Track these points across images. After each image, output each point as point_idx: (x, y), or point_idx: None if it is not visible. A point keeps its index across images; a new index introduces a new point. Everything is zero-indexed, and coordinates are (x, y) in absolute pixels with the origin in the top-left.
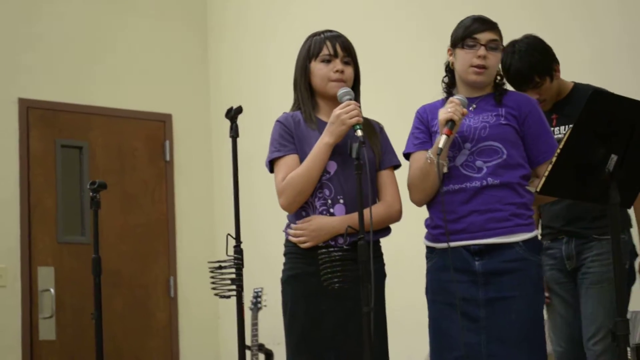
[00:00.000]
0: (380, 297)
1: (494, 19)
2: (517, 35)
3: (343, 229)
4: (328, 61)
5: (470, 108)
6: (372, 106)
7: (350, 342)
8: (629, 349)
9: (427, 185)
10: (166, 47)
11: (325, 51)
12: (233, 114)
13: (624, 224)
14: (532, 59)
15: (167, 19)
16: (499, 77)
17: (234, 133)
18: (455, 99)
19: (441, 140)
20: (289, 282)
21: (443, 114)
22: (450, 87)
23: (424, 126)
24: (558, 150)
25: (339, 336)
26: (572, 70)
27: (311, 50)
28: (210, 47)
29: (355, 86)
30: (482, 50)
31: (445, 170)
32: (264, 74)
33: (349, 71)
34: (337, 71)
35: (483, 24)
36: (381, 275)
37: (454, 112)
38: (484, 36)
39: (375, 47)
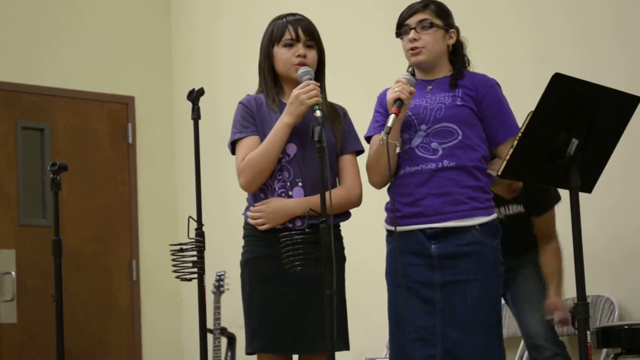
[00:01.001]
0: (340, 280)
1: (477, 6)
2: (499, 20)
3: (301, 211)
4: (290, 45)
5: (427, 90)
6: (338, 91)
7: (308, 324)
8: (588, 332)
9: (381, 167)
10: (129, 29)
11: (287, 35)
12: (195, 96)
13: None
14: None
15: (131, 1)
16: (460, 59)
17: (196, 115)
18: (401, 77)
19: (390, 119)
20: (247, 264)
21: (390, 94)
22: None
23: (384, 109)
24: (519, 134)
25: (297, 319)
26: (557, 55)
27: (274, 34)
28: (173, 29)
29: (320, 70)
30: (411, 34)
31: (397, 150)
32: (228, 55)
33: (311, 55)
34: (299, 55)
35: (411, 8)
36: (341, 258)
37: (400, 90)
38: (413, 19)
39: (341, 31)
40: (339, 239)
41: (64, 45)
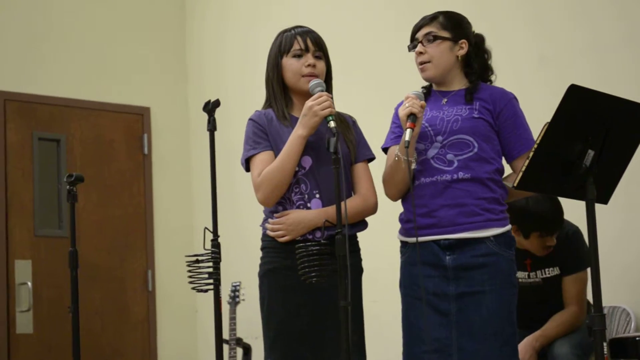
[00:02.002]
0: (357, 291)
1: (484, 11)
2: (508, 27)
3: (320, 222)
4: (299, 56)
5: (443, 102)
6: (346, 100)
7: (326, 336)
8: (605, 344)
9: (397, 180)
10: (144, 40)
11: (296, 46)
12: (211, 108)
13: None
14: None
15: (146, 11)
16: (481, 70)
17: (212, 126)
18: (410, 94)
19: (406, 134)
20: (266, 276)
21: (402, 110)
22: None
23: (400, 121)
24: (535, 146)
25: (316, 330)
26: (567, 62)
27: (282, 45)
28: (188, 40)
29: (327, 81)
30: (419, 47)
31: (413, 166)
32: (245, 67)
33: (320, 65)
34: (308, 65)
35: (419, 22)
36: (358, 269)
37: (411, 105)
38: (420, 33)
39: (352, 38)
40: (356, 250)
41: (80, 57)
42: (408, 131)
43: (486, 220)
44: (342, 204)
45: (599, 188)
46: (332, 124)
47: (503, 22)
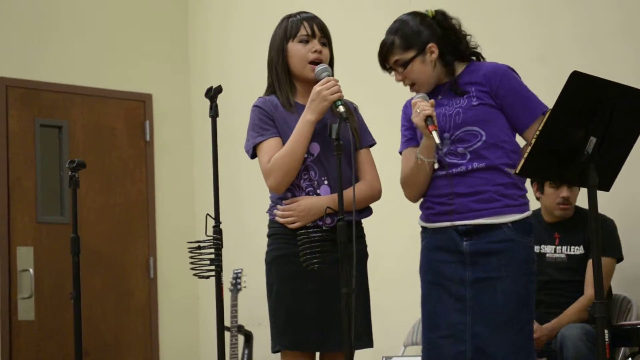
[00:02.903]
0: (362, 277)
1: (481, 6)
2: (503, 20)
3: (330, 212)
4: (306, 42)
5: (438, 98)
6: (348, 88)
7: (335, 322)
8: (606, 331)
9: (419, 182)
10: (147, 26)
11: (303, 31)
12: (213, 94)
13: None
14: None
15: None
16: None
17: (214, 113)
18: (416, 99)
19: (435, 138)
20: (274, 262)
21: (416, 117)
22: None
23: (408, 122)
24: (537, 132)
25: (324, 316)
26: (562, 55)
27: (288, 30)
28: (190, 27)
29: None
30: (396, 76)
31: (436, 166)
32: (247, 53)
33: (325, 52)
34: (315, 51)
35: (380, 53)
36: (363, 255)
37: (423, 108)
38: (389, 61)
39: (351, 30)
40: (361, 236)
41: (81, 43)
42: (434, 133)
43: (504, 206)
44: (351, 190)
45: (601, 175)
46: (341, 108)
47: (500, 18)
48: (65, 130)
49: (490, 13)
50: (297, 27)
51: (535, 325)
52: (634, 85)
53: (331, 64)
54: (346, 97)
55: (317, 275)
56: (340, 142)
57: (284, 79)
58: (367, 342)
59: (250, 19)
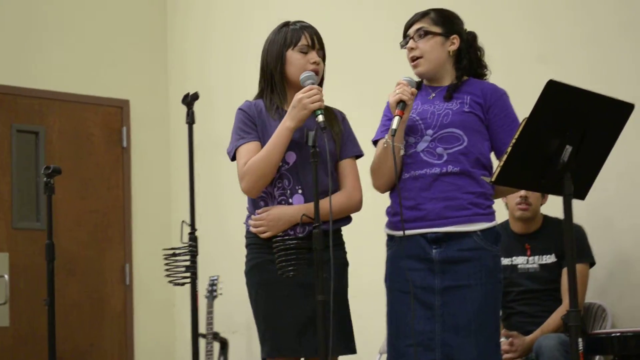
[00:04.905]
0: (342, 284)
1: (482, 7)
2: (506, 23)
3: (300, 217)
4: (305, 52)
5: (430, 97)
6: (337, 96)
7: (312, 329)
8: (580, 340)
9: (384, 170)
10: (124, 32)
11: (303, 41)
12: (189, 100)
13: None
14: None
15: (126, 4)
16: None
17: (190, 119)
18: (401, 80)
19: (394, 122)
20: (251, 272)
21: (392, 96)
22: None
23: (391, 114)
24: (513, 141)
25: (303, 323)
26: (563, 56)
27: (288, 38)
28: (169, 33)
29: (321, 79)
30: (410, 43)
31: (402, 152)
32: (224, 60)
33: (322, 64)
34: (314, 62)
35: (411, 19)
36: (342, 263)
37: (402, 92)
38: (412, 29)
39: (341, 33)
40: (339, 244)
41: (59, 49)
42: (396, 119)
43: (473, 214)
44: (326, 199)
45: (577, 183)
46: (320, 118)
47: (501, 18)
48: (42, 136)
49: (491, 12)
50: (298, 37)
51: (519, 336)
52: (635, 86)
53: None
54: (337, 103)
55: (293, 282)
56: (316, 149)
57: (280, 85)
58: (348, 349)
59: (230, 24)
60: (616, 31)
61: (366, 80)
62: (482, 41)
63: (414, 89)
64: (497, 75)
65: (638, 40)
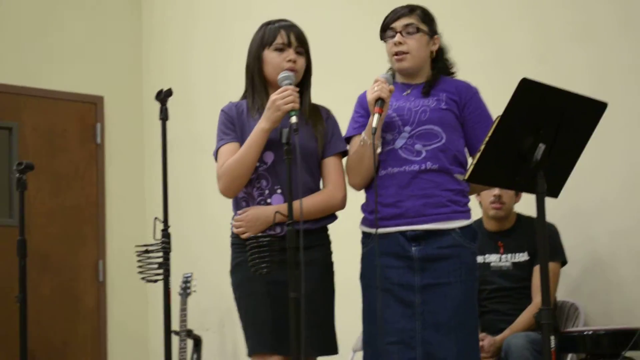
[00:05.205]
0: (325, 284)
1: (478, 6)
2: (499, 18)
3: (279, 218)
4: (281, 50)
5: (405, 93)
6: (325, 92)
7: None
8: (552, 337)
9: (362, 168)
10: (99, 28)
11: (279, 40)
12: (163, 97)
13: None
14: None
15: (101, 1)
16: (443, 64)
17: (164, 116)
18: (380, 77)
19: (374, 120)
20: (234, 271)
21: (370, 94)
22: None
23: (364, 110)
24: (487, 138)
25: (280, 321)
26: (558, 53)
27: (265, 38)
28: (144, 29)
29: (306, 77)
30: (397, 37)
31: (379, 150)
32: (200, 55)
33: (301, 61)
34: (289, 60)
35: (396, 12)
36: (324, 262)
37: (380, 89)
38: (399, 23)
39: (330, 32)
40: (322, 244)
41: (33, 44)
42: (376, 116)
43: (453, 212)
44: (304, 199)
45: (550, 182)
46: (293, 119)
47: (498, 16)
48: (16, 131)
49: (488, 12)
50: (274, 35)
51: (488, 337)
52: (633, 83)
53: (308, 73)
54: (326, 99)
55: (272, 280)
56: (289, 145)
57: (259, 85)
58: (327, 349)
59: (210, 21)
60: (614, 30)
61: (354, 77)
62: (479, 41)
63: (391, 87)
64: (492, 71)
65: (635, 38)
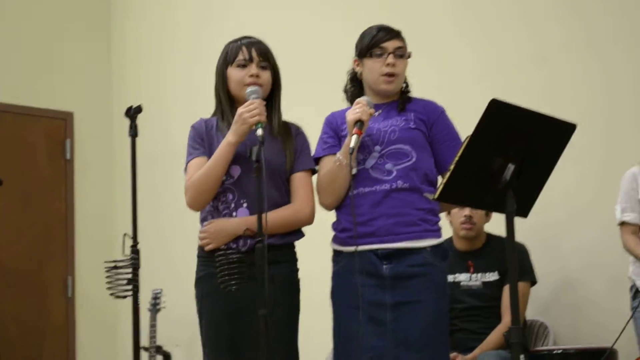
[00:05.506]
0: (289, 302)
1: (475, 11)
2: (494, 23)
3: (241, 230)
4: (244, 66)
5: (377, 114)
6: (315, 103)
7: (251, 345)
8: (522, 356)
9: (335, 188)
10: (69, 44)
11: (240, 56)
12: (132, 113)
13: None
14: None
15: (70, 16)
16: (404, 85)
17: (134, 132)
18: (362, 99)
19: (352, 140)
20: (197, 284)
21: (351, 114)
22: (355, 96)
23: (333, 131)
24: (456, 158)
25: (240, 339)
26: (559, 56)
27: (228, 56)
28: (113, 45)
29: (275, 91)
30: (390, 58)
31: (354, 171)
32: (169, 73)
33: (265, 75)
34: (251, 75)
35: (388, 32)
36: (289, 280)
37: (361, 112)
38: (391, 44)
39: (319, 42)
40: (287, 260)
41: (2, 59)
42: (354, 137)
43: (424, 230)
44: (271, 213)
45: (519, 201)
46: (259, 132)
47: (495, 20)
48: None
49: (486, 15)
50: (236, 52)
51: (460, 356)
52: (633, 88)
53: (275, 85)
54: (317, 111)
55: (233, 296)
56: (260, 164)
57: (226, 103)
58: None
59: (173, 38)
60: (610, 34)
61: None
62: (477, 44)
63: (372, 110)
64: (488, 77)
65: (631, 43)
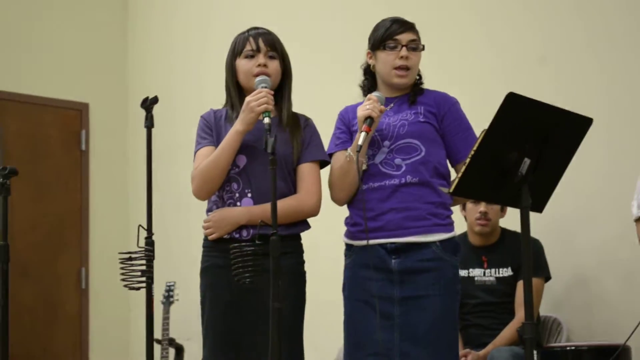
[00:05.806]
0: (294, 295)
1: (480, 9)
2: (505, 20)
3: (245, 220)
4: (251, 56)
5: (388, 107)
6: (332, 95)
7: (254, 338)
8: (535, 352)
9: (346, 183)
10: (85, 35)
11: (248, 47)
12: (148, 104)
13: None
14: None
15: (87, 7)
16: (417, 77)
17: (149, 123)
18: (373, 95)
19: (360, 137)
20: (201, 274)
21: (361, 111)
22: (370, 90)
23: (345, 127)
24: (472, 152)
25: (243, 331)
26: (564, 54)
27: (236, 48)
28: (129, 36)
29: (285, 81)
30: (404, 51)
31: (364, 167)
32: (185, 64)
33: (273, 65)
34: (259, 65)
35: (402, 25)
36: (295, 272)
37: (372, 109)
38: (405, 37)
39: (336, 34)
40: (293, 252)
41: (18, 50)
42: (363, 134)
43: (433, 224)
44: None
45: (534, 196)
46: (266, 120)
47: (499, 19)
48: (0, 136)
49: (489, 14)
50: (244, 44)
51: (472, 352)
52: (635, 87)
53: (286, 75)
54: (332, 103)
55: (237, 288)
56: (274, 156)
57: (235, 95)
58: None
59: (190, 28)
60: (616, 33)
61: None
62: (480, 43)
63: (383, 107)
64: (491, 76)
65: (637, 43)
